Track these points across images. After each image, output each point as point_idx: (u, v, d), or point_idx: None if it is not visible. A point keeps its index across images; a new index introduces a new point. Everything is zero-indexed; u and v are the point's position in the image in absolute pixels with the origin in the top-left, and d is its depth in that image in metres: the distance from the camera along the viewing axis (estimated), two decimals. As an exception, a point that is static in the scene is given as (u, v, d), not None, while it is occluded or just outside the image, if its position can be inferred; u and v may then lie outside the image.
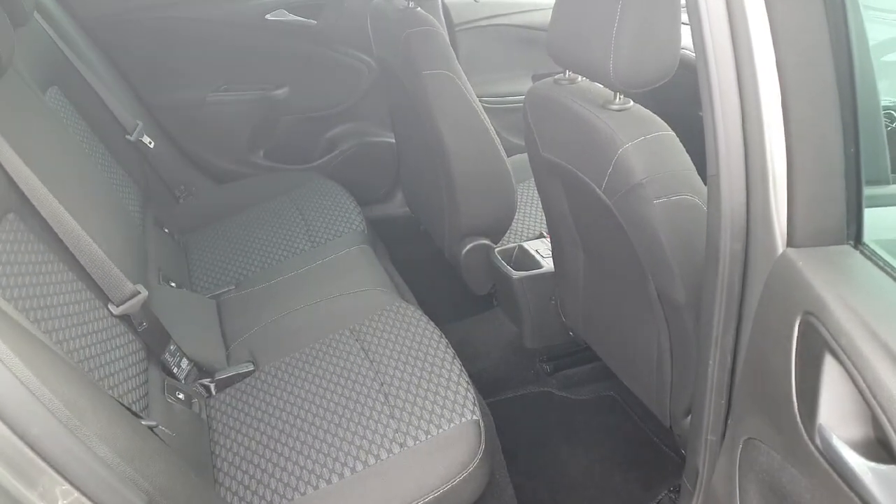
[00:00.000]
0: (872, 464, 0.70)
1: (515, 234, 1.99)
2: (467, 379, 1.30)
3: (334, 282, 1.66)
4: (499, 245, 1.92)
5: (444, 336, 1.42)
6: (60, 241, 1.19)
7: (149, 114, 2.12)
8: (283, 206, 2.02)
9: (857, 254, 0.81)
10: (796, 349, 0.78)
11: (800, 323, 0.77)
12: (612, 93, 1.15)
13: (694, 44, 0.88)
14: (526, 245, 1.89)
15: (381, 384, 1.31)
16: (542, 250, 1.87)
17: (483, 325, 2.06)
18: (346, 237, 1.85)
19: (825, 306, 0.74)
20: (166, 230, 1.97)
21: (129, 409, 0.94)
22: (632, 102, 1.14)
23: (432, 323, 1.46)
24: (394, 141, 2.36)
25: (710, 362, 1.01)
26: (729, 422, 0.93)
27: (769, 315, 0.83)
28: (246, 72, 2.19)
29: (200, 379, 1.44)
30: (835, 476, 0.72)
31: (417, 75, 1.68)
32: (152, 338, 1.34)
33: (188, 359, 1.43)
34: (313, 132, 2.34)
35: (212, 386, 1.43)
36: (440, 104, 1.68)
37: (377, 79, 2.27)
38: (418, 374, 1.31)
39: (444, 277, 2.15)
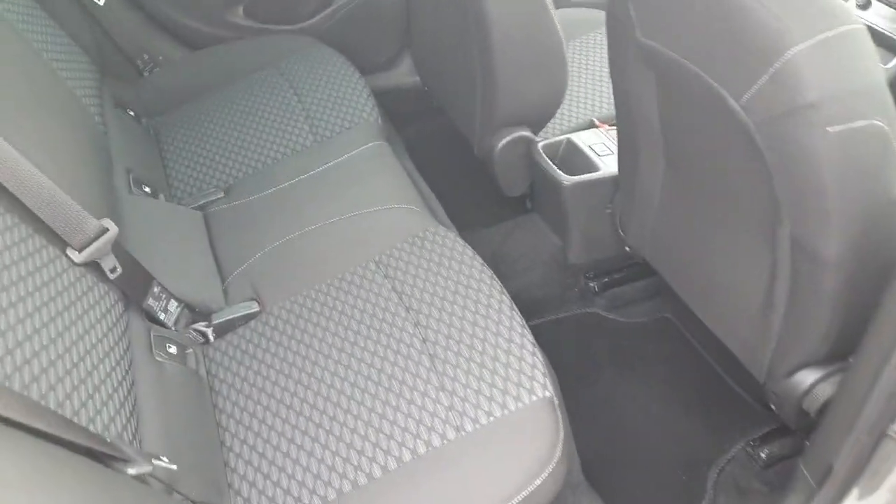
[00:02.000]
0: None
1: (559, 121, 1.65)
2: (532, 340, 1.03)
3: (349, 193, 1.34)
4: (541, 137, 1.59)
5: (496, 279, 1.14)
6: None
7: (95, -40, 1.65)
8: (274, 82, 1.64)
9: None
10: None
11: None
12: (778, -37, 0.78)
13: None
14: (575, 138, 1.56)
15: (424, 341, 1.05)
16: (595, 145, 1.55)
17: (517, 235, 1.77)
18: (358, 130, 1.50)
19: None
20: (131, 112, 1.59)
21: (106, 455, 0.68)
22: (805, -22, 0.79)
23: (480, 259, 1.17)
24: (403, -6, 1.92)
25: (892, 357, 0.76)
26: None
27: None
28: None
29: (194, 323, 1.16)
30: None
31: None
32: (129, 283, 1.04)
33: (177, 300, 1.14)
34: (304, -19, 1.88)
35: (209, 331, 1.16)
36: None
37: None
38: (469, 332, 1.05)
39: (464, 170, 1.83)
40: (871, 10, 1.61)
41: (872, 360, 0.80)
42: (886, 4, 1.60)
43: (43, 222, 0.91)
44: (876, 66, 0.77)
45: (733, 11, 0.80)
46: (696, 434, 1.36)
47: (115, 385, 0.90)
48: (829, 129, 0.76)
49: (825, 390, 1.04)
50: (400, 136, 1.82)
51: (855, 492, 0.87)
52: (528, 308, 1.62)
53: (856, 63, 0.76)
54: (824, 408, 1.04)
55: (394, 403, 0.98)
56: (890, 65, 1.50)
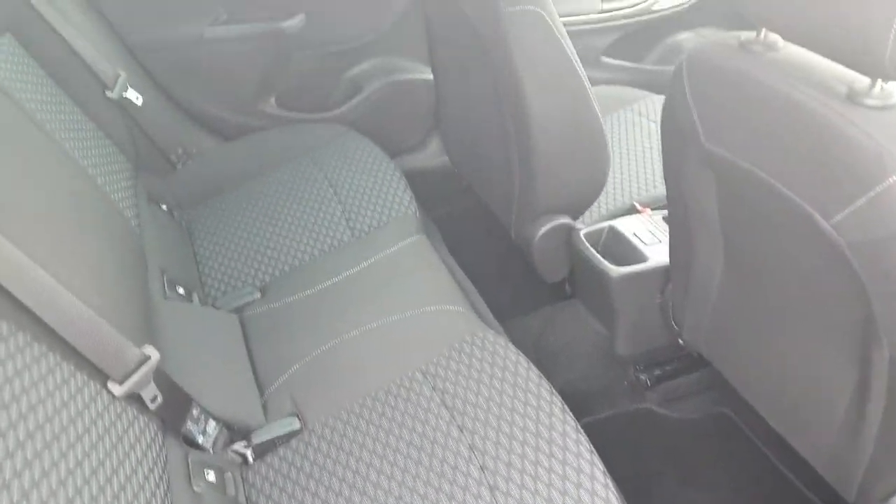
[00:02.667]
0: None
1: (598, 204, 1.60)
2: (590, 447, 0.96)
3: (390, 294, 1.29)
4: (581, 222, 1.54)
5: (552, 387, 1.07)
6: (27, 309, 0.80)
7: (133, 59, 1.65)
8: (308, 173, 1.61)
9: None
10: None
11: None
12: (866, 79, 0.74)
13: None
14: (618, 225, 1.50)
15: (482, 469, 0.97)
16: (640, 233, 1.49)
17: (557, 322, 1.70)
18: (396, 224, 1.46)
19: None
20: (164, 207, 1.56)
21: None
22: (896, 96, 0.74)
23: (530, 364, 1.11)
24: (430, 78, 1.90)
25: None
26: None
27: None
28: (250, -3, 1.71)
29: (232, 444, 1.10)
30: None
31: (495, 12, 1.24)
32: (169, 409, 0.98)
33: (216, 419, 1.08)
34: (333, 70, 1.88)
35: (248, 452, 1.09)
36: (525, 51, 1.26)
37: (412, 3, 1.79)
38: (532, 458, 0.97)
39: (498, 252, 1.78)
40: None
41: None
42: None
43: (84, 357, 0.85)
44: None
45: (822, 130, 0.75)
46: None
47: None
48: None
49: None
50: (431, 217, 1.78)
51: None
52: (576, 406, 1.52)
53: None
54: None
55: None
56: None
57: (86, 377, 0.86)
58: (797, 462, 1.28)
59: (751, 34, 0.87)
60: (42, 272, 0.83)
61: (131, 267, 1.18)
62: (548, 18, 1.24)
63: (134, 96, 1.54)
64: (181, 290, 1.33)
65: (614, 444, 1.47)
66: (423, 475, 0.98)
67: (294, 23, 1.74)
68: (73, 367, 0.84)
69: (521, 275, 1.68)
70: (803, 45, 0.80)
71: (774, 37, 0.86)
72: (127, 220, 1.32)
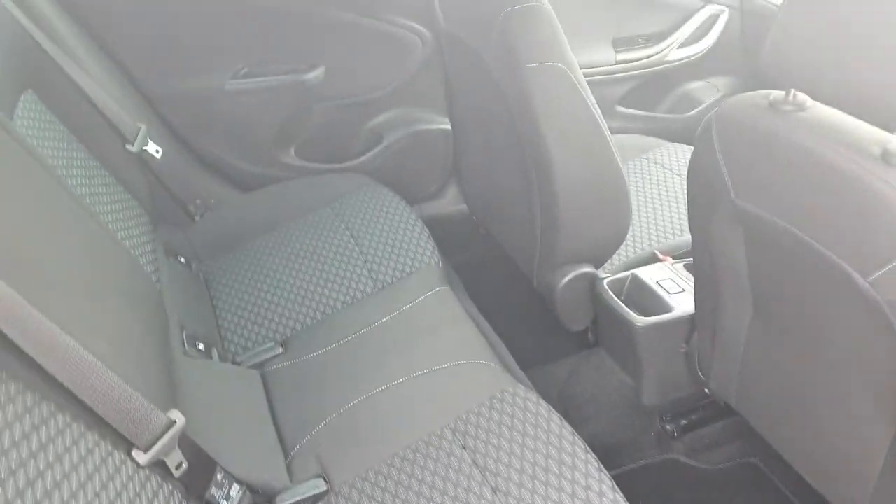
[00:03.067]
0: None
1: (618, 252, 1.59)
2: (614, 484, 0.94)
3: (416, 348, 1.28)
4: (603, 271, 1.53)
5: (586, 445, 1.05)
6: (51, 377, 0.79)
7: (153, 112, 1.67)
8: (329, 224, 1.61)
9: None
10: None
11: None
12: (900, 138, 0.74)
13: None
14: (641, 274, 1.49)
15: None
16: (663, 282, 1.48)
17: (582, 371, 1.68)
18: (419, 275, 1.45)
19: None
20: (182, 259, 1.56)
21: None
22: (933, 153, 0.74)
23: (563, 421, 1.09)
24: (448, 128, 1.92)
25: None
26: None
27: None
28: (271, 51, 1.73)
29: (257, 507, 1.07)
30: None
31: (517, 69, 1.26)
32: (193, 476, 0.96)
33: (239, 483, 1.05)
34: (354, 121, 1.89)
35: (273, 517, 1.07)
36: (547, 105, 1.27)
37: (432, 54, 1.82)
38: (548, 482, 0.95)
39: (520, 300, 1.77)
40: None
41: None
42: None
43: (109, 425, 0.84)
44: None
45: (857, 190, 0.75)
46: None
47: None
48: (984, 317, 0.69)
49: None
50: (451, 263, 1.78)
51: None
52: (603, 457, 1.50)
53: None
54: None
55: None
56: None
57: (110, 447, 0.84)
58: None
59: (780, 93, 0.88)
60: (68, 339, 0.82)
61: (153, 325, 1.18)
62: (570, 73, 1.26)
63: (154, 149, 1.55)
64: (201, 346, 1.32)
65: (643, 496, 1.44)
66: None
67: (315, 75, 1.76)
68: (97, 437, 0.83)
69: (544, 323, 1.67)
70: (835, 107, 0.80)
71: (803, 96, 0.86)
72: (147, 275, 1.32)
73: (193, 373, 1.21)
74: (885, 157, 0.74)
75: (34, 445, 0.73)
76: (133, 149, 1.51)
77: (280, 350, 1.36)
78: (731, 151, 0.93)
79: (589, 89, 1.30)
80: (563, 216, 1.38)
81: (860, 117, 0.78)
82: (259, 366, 1.34)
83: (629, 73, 2.06)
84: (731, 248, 1.08)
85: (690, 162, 1.06)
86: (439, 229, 1.82)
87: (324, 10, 1.71)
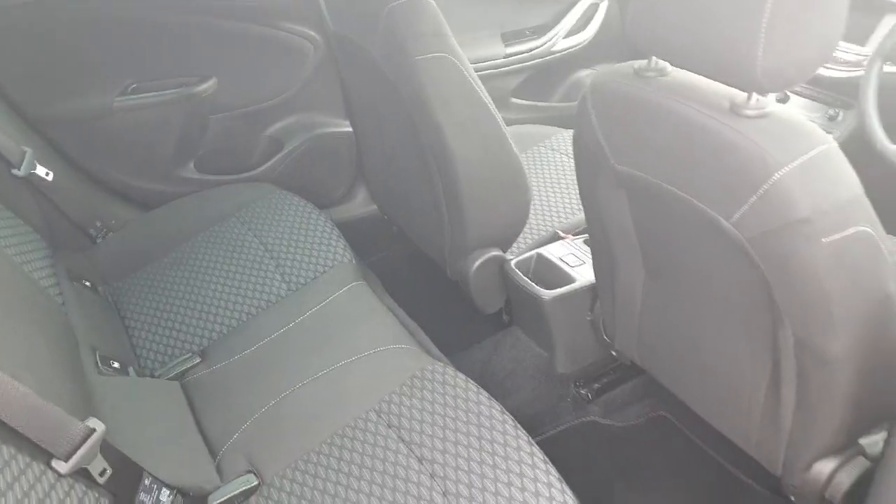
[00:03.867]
0: None
1: (524, 235, 1.68)
2: (544, 458, 1.01)
3: (335, 341, 1.30)
4: (510, 253, 1.61)
5: (504, 409, 1.11)
6: None
7: (39, 135, 1.61)
8: (237, 234, 1.61)
9: None
10: None
11: None
12: (743, 92, 0.84)
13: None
14: (545, 252, 1.58)
15: (444, 494, 0.99)
16: (565, 257, 1.57)
17: (500, 351, 1.75)
18: (332, 273, 1.48)
19: None
20: (87, 283, 1.52)
21: None
22: (770, 103, 0.84)
23: (483, 392, 1.14)
24: (350, 130, 1.96)
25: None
26: None
27: None
28: (159, 65, 1.71)
29: (188, 510, 1.07)
30: None
31: (406, 61, 1.31)
32: (119, 482, 0.95)
33: (168, 487, 1.05)
34: (252, 131, 1.89)
35: (205, 518, 1.07)
36: (439, 95, 1.33)
37: (325, 57, 1.85)
38: (491, 475, 1.01)
39: (435, 291, 1.82)
40: (790, 103, 1.75)
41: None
42: (800, 96, 1.75)
43: (25, 437, 0.83)
44: (854, 177, 0.82)
45: (713, 140, 0.85)
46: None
47: None
48: (823, 239, 0.80)
49: (846, 477, 1.04)
50: (366, 264, 1.82)
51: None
52: (525, 426, 1.58)
53: (838, 177, 0.81)
54: (848, 495, 1.04)
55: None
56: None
57: (28, 458, 0.83)
58: (732, 452, 1.36)
59: (643, 62, 0.97)
60: None
61: (62, 345, 1.15)
62: (458, 63, 1.32)
63: (43, 172, 1.50)
64: (116, 365, 1.29)
65: (564, 457, 1.51)
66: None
67: (206, 87, 1.75)
68: (13, 450, 0.81)
69: (461, 310, 1.73)
70: (688, 69, 0.90)
71: (664, 63, 0.96)
72: (51, 299, 1.28)
73: (111, 389, 1.19)
74: (733, 109, 0.85)
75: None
76: (20, 173, 1.46)
77: (198, 360, 1.35)
78: (606, 118, 1.02)
79: (478, 79, 1.37)
80: (466, 203, 1.44)
81: (711, 77, 0.88)
82: (178, 377, 1.33)
83: (519, 65, 2.17)
84: (617, 212, 1.18)
85: (574, 135, 1.14)
86: (351, 232, 1.85)
87: (210, 20, 1.71)
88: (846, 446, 1.04)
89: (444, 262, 1.62)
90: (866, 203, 0.82)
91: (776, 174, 0.79)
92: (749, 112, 0.83)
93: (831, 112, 1.64)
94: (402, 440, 1.08)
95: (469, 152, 1.38)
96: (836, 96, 1.62)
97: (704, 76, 0.88)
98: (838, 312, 0.85)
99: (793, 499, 1.15)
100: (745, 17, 0.76)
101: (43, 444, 0.84)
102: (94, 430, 0.90)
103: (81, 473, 0.90)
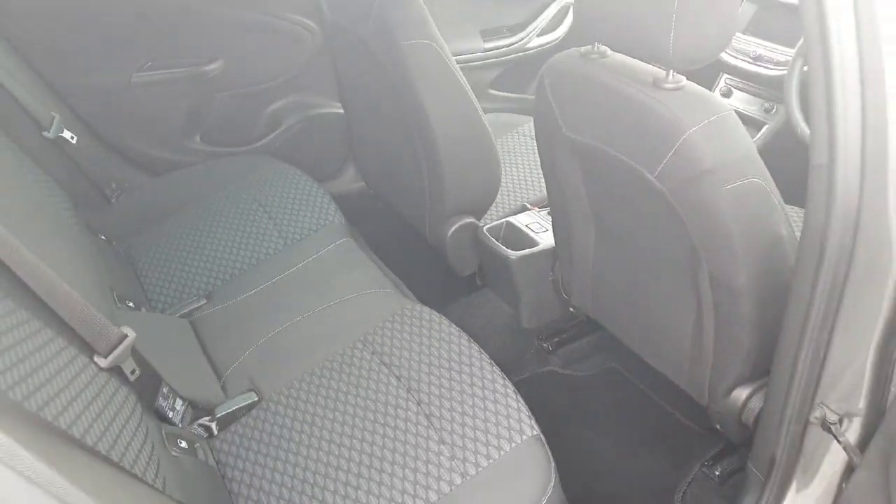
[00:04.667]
0: None
1: (497, 207, 1.88)
2: (514, 389, 1.19)
3: (326, 286, 1.49)
4: (483, 222, 1.81)
5: (473, 341, 1.30)
6: (30, 291, 0.96)
7: (65, 104, 1.79)
8: (238, 198, 1.79)
9: None
10: None
11: None
12: (663, 70, 1.04)
13: (805, 20, 0.79)
14: (513, 220, 1.78)
15: (419, 403, 1.18)
16: (531, 225, 1.77)
17: (472, 310, 1.95)
18: (324, 231, 1.67)
19: None
20: (103, 237, 1.70)
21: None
22: (685, 80, 1.05)
23: (455, 326, 1.34)
24: (342, 111, 2.15)
25: (802, 355, 0.97)
26: (879, 435, 0.89)
27: None
28: (173, 46, 1.89)
29: (198, 419, 1.25)
30: None
31: (394, 46, 1.50)
32: (144, 385, 1.14)
33: (182, 398, 1.23)
34: (253, 108, 2.08)
35: (213, 425, 1.25)
36: (423, 78, 1.52)
37: (321, 45, 2.04)
38: (458, 389, 1.20)
39: (417, 258, 2.01)
40: (733, 98, 1.97)
41: (787, 363, 1.00)
42: (741, 91, 1.97)
43: (75, 332, 1.01)
44: (748, 138, 1.02)
45: (636, 107, 1.05)
46: (659, 466, 1.53)
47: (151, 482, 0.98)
48: (725, 187, 1.00)
49: (757, 402, 1.24)
50: (363, 235, 2.00)
51: (797, 477, 1.06)
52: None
53: (735, 137, 1.01)
54: (759, 418, 1.24)
55: (401, 462, 1.10)
56: (756, 137, 1.84)
57: (76, 351, 1.01)
58: (672, 398, 1.57)
59: (589, 47, 1.17)
60: (34, 257, 0.99)
61: (87, 274, 1.33)
62: (439, 50, 1.52)
63: (69, 136, 1.68)
64: (130, 304, 1.47)
65: (527, 401, 1.72)
66: (371, 416, 1.18)
67: (214, 67, 1.95)
68: (65, 342, 0.99)
69: (438, 274, 1.93)
70: (622, 52, 1.11)
71: (604, 48, 1.16)
72: (78, 241, 1.46)
73: (127, 322, 1.36)
74: (655, 83, 1.05)
75: (10, 341, 0.89)
76: (49, 135, 1.63)
77: (204, 301, 1.54)
78: (559, 95, 1.22)
79: (456, 64, 1.57)
80: (446, 175, 1.63)
81: (638, 58, 1.08)
82: (187, 315, 1.51)
83: (497, 60, 2.37)
84: (572, 178, 1.38)
85: (534, 109, 1.34)
86: (340, 204, 2.04)
87: (220, 8, 1.90)
88: (759, 375, 1.25)
89: (424, 228, 1.82)
90: (759, 160, 1.03)
91: (686, 133, 0.99)
92: (667, 86, 1.03)
93: (766, 105, 1.86)
94: (384, 364, 1.27)
95: (449, 130, 1.58)
96: (770, 91, 1.84)
97: (634, 58, 1.09)
98: (740, 249, 1.05)
99: (718, 427, 1.36)
100: (660, 10, 0.96)
101: (88, 340, 1.02)
102: (126, 336, 1.09)
103: (116, 371, 1.08)
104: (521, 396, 1.65)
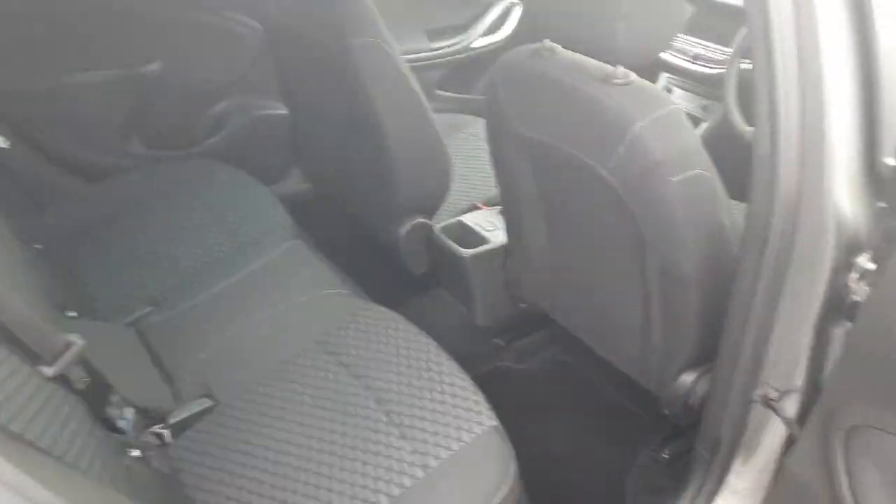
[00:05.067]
0: None
1: (447, 207, 1.89)
2: (472, 382, 1.21)
3: (277, 289, 1.47)
4: (435, 221, 1.82)
5: (429, 338, 1.31)
6: None
7: (-4, 107, 1.71)
8: (182, 202, 1.75)
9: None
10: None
11: None
12: (613, 66, 1.07)
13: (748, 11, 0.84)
14: (464, 220, 1.80)
15: (378, 401, 1.18)
16: (481, 223, 1.79)
17: (426, 309, 1.95)
18: (273, 234, 1.64)
19: None
20: (39, 246, 1.62)
21: None
22: (634, 75, 1.08)
23: (411, 324, 1.34)
24: (286, 112, 2.12)
25: (746, 338, 1.02)
26: (818, 409, 0.94)
27: (887, 302, 0.82)
28: (108, 46, 1.83)
29: (149, 427, 1.21)
30: None
31: (342, 45, 1.50)
32: (93, 393, 1.09)
33: (132, 406, 1.19)
34: (196, 110, 2.03)
35: (166, 432, 1.21)
36: (372, 78, 1.52)
37: (264, 44, 2.01)
38: (417, 384, 1.20)
39: (366, 258, 2.00)
40: (673, 96, 2.04)
41: (732, 347, 1.05)
42: (681, 89, 2.05)
43: (19, 341, 0.96)
44: (693, 132, 1.07)
45: (587, 102, 1.08)
46: (610, 452, 1.57)
47: None
48: (674, 178, 1.04)
49: (703, 386, 1.29)
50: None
51: (741, 453, 1.11)
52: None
53: (681, 131, 1.05)
54: (705, 400, 1.29)
55: (362, 459, 1.10)
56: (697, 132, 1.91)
57: (18, 360, 0.96)
58: (623, 388, 1.61)
59: (538, 44, 1.20)
60: None
61: (25, 285, 1.27)
62: (389, 50, 1.52)
63: (1, 141, 1.60)
64: (72, 314, 1.41)
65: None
66: (330, 416, 1.17)
67: (152, 68, 1.89)
68: (6, 351, 0.95)
69: (390, 274, 1.92)
70: (571, 49, 1.14)
71: (553, 44, 1.19)
72: (14, 251, 1.39)
73: (70, 330, 1.31)
74: (605, 79, 1.08)
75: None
76: (-21, 140, 1.56)
77: (150, 308, 1.49)
78: (510, 92, 1.24)
79: (404, 63, 1.57)
80: (397, 177, 1.63)
81: (588, 55, 1.12)
82: (134, 323, 1.46)
83: (442, 59, 2.39)
84: (523, 175, 1.40)
85: (485, 107, 1.36)
86: (288, 207, 2.02)
87: (158, 6, 1.85)
88: (704, 361, 1.29)
89: (375, 228, 1.81)
90: (704, 153, 1.07)
91: (635, 126, 1.02)
92: (617, 81, 1.06)
93: (705, 103, 1.93)
94: (342, 364, 1.26)
95: (400, 129, 1.58)
96: (709, 89, 1.91)
97: (584, 55, 1.12)
98: (688, 239, 1.09)
99: (666, 412, 1.40)
100: (608, 7, 0.99)
101: (33, 349, 0.98)
102: (72, 344, 1.05)
103: (63, 380, 1.04)
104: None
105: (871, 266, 0.87)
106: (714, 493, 1.12)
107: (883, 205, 0.84)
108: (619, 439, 1.59)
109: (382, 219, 1.75)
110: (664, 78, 2.04)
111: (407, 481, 1.07)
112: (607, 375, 1.62)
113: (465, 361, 1.81)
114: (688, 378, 1.31)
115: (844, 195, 0.85)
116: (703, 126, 1.95)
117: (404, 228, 1.73)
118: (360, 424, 1.15)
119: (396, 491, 1.05)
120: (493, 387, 1.77)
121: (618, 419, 1.64)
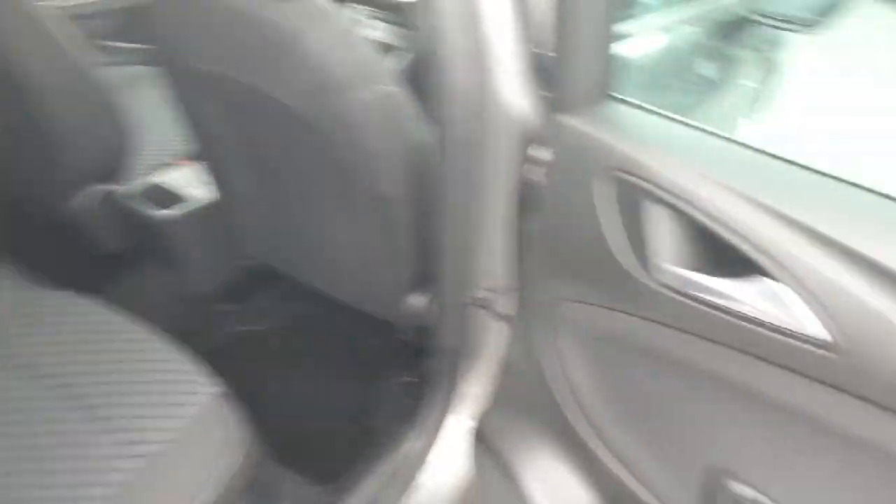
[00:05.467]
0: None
1: (138, 171, 1.66)
2: (184, 353, 1.09)
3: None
4: (124, 188, 1.59)
5: (128, 316, 1.14)
6: None
7: None
8: None
9: (616, 104, 0.88)
10: (604, 207, 0.82)
11: (602, 183, 0.81)
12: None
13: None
14: (157, 180, 1.60)
15: (76, 397, 1.00)
16: (179, 180, 1.61)
17: (129, 287, 1.71)
18: None
19: (635, 160, 0.79)
20: None
21: None
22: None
23: (102, 304, 1.16)
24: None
25: (455, 247, 1.04)
26: (521, 297, 0.98)
27: (561, 186, 0.86)
28: None
29: None
30: (681, 299, 0.80)
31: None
32: None
33: None
34: None
35: None
36: (5, 35, 1.25)
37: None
38: (119, 369, 1.05)
39: (42, 239, 1.69)
40: (366, 26, 1.99)
41: (448, 259, 1.07)
42: (377, 19, 2.00)
43: None
44: (371, 48, 1.03)
45: (255, 23, 0.98)
46: (354, 391, 1.56)
47: None
48: (355, 95, 1.00)
49: (432, 304, 1.32)
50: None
51: (473, 361, 1.15)
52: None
53: (358, 47, 1.01)
54: (434, 317, 1.32)
55: (60, 466, 0.93)
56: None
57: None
58: (357, 322, 1.58)
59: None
60: None
61: None
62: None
63: None
64: None
65: (216, 368, 1.59)
66: (18, 431, 0.97)
67: None
68: None
69: (82, 257, 1.65)
70: None
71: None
72: None
73: None
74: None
75: None
76: None
77: None
78: (172, 23, 1.10)
79: (47, 11, 1.31)
80: (50, 136, 1.38)
81: None
82: None
83: (117, 5, 2.07)
84: (213, 118, 1.26)
85: (155, 50, 1.19)
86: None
87: None
88: (429, 280, 1.31)
89: (44, 203, 1.53)
90: (387, 71, 1.05)
91: (312, 45, 0.96)
92: (281, -3, 0.98)
93: (405, 32, 1.90)
94: (19, 366, 1.05)
95: (51, 89, 1.33)
96: (403, 18, 1.88)
97: None
98: (381, 157, 1.07)
99: (402, 337, 1.41)
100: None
101: None
102: None
103: None
104: (209, 365, 1.52)
105: (547, 156, 0.92)
106: (447, 402, 1.15)
107: (546, 94, 0.89)
108: (361, 375, 1.58)
109: (48, 191, 1.48)
110: (349, 7, 1.97)
111: (119, 477, 0.92)
112: (341, 316, 1.59)
113: (193, 334, 1.65)
114: (418, 301, 1.32)
115: (514, 91, 0.89)
116: (405, 55, 1.93)
117: (79, 197, 1.48)
118: (57, 430, 0.97)
119: (102, 491, 0.91)
120: (231, 355, 1.64)
121: (357, 356, 1.63)
